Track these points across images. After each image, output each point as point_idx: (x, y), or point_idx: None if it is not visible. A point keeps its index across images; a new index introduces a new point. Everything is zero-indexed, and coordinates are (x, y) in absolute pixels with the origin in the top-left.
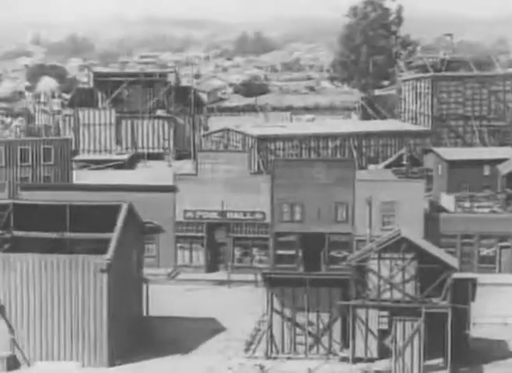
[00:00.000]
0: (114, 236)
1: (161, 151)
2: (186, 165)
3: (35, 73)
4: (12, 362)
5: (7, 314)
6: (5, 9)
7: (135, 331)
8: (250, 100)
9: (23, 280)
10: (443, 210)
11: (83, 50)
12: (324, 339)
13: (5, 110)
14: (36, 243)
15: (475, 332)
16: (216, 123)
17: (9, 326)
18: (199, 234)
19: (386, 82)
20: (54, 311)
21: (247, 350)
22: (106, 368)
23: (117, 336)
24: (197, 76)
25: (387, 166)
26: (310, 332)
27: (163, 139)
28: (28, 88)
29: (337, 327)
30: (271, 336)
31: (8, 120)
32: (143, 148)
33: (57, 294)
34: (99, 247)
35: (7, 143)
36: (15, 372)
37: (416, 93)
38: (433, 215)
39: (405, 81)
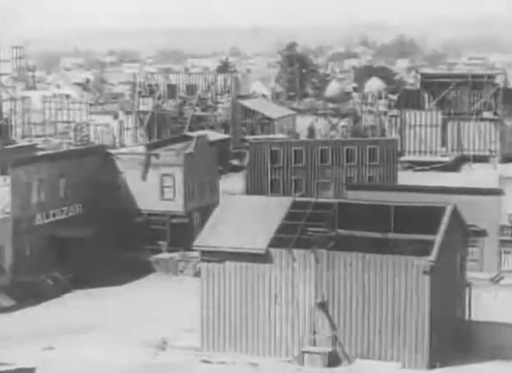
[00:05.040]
0: (438, 238)
1: (487, 153)
2: None
3: (362, 74)
4: (333, 358)
5: (330, 310)
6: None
7: (456, 334)
8: None
9: (346, 278)
10: None
11: (411, 52)
12: None
13: (333, 110)
14: (359, 242)
15: None
16: None
17: (331, 323)
18: None
19: None
20: (376, 310)
21: None
22: (427, 370)
23: (438, 339)
24: None
25: None
26: None
27: (489, 141)
28: (355, 89)
29: None
30: None
31: (335, 120)
32: (469, 150)
33: (379, 293)
34: (423, 249)
35: (333, 143)
36: (335, 368)
37: None
38: None
39: None
